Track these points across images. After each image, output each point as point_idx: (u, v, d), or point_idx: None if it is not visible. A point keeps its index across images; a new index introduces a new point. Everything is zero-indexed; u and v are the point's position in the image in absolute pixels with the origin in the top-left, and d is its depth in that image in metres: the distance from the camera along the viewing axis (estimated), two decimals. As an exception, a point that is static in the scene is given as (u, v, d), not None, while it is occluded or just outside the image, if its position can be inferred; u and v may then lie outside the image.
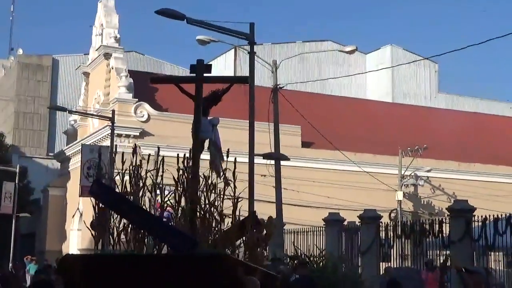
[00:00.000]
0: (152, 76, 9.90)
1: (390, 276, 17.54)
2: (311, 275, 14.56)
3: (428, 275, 20.12)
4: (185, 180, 8.84)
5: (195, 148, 8.88)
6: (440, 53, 56.23)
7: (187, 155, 9.01)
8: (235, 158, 9.52)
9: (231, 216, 9.06)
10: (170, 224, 8.16)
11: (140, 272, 6.90)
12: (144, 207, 8.69)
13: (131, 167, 8.90)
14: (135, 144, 10.73)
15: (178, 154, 9.15)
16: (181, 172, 8.89)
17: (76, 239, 41.46)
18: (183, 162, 8.90)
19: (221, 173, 9.28)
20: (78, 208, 41.33)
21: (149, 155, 9.62)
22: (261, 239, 9.79)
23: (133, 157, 8.94)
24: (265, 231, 10.03)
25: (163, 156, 9.24)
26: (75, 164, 43.06)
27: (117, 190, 8.84)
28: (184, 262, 6.95)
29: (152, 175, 9.16)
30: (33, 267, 29.79)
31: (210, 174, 9.24)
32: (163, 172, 9.10)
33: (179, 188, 8.88)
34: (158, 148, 9.65)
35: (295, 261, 16.44)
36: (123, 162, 9.11)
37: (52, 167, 56.46)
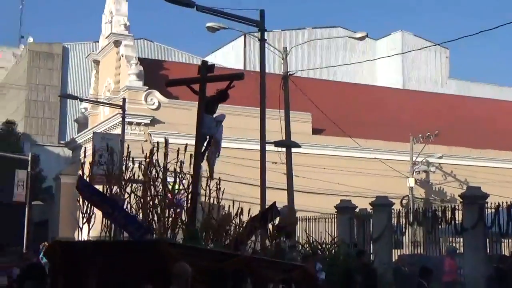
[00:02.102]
0: (167, 81, 9.92)
1: (404, 263, 17.43)
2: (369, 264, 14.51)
3: (449, 263, 19.95)
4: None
5: (197, 144, 9.12)
6: (451, 39, 55.88)
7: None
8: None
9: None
10: (128, 213, 8.48)
11: (100, 256, 7.81)
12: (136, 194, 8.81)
13: (146, 154, 8.93)
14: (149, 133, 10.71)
15: (186, 144, 9.20)
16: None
17: (88, 227, 41.64)
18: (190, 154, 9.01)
19: (213, 171, 9.33)
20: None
21: (158, 142, 9.58)
22: (287, 227, 9.94)
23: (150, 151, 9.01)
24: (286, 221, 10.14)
25: (186, 145, 9.26)
26: (86, 152, 43.16)
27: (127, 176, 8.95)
28: (128, 247, 7.89)
29: (165, 163, 9.15)
30: (46, 255, 29.92)
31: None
32: (179, 162, 9.13)
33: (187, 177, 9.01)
34: (166, 138, 9.58)
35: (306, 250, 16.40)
36: (128, 153, 9.13)
37: (63, 155, 56.65)
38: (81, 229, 8.56)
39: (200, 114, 9.18)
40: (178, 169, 9.13)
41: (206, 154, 9.44)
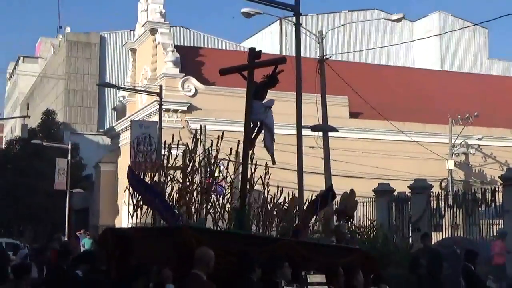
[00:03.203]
0: (221, 70, 9.99)
1: (463, 247, 17.07)
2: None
3: (500, 245, 19.62)
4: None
5: (246, 130, 9.17)
6: (490, 19, 54.94)
7: (235, 129, 9.24)
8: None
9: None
10: (165, 200, 8.73)
11: (144, 241, 8.29)
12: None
13: (187, 143, 9.05)
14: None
15: (223, 132, 9.32)
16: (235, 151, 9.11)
17: (128, 214, 42.14)
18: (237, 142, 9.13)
19: (273, 156, 9.37)
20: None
21: (200, 129, 9.68)
22: (347, 211, 10.01)
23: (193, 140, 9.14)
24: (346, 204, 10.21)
25: (223, 131, 9.36)
26: (125, 140, 43.62)
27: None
28: (161, 232, 8.31)
29: (206, 150, 9.25)
30: (88, 241, 30.37)
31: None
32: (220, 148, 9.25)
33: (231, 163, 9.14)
34: (201, 126, 9.69)
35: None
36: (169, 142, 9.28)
37: (102, 143, 57.35)
38: (132, 216, 8.77)
39: (249, 101, 9.22)
40: (219, 156, 9.22)
41: (263, 141, 9.45)
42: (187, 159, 8.94)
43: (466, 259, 12.39)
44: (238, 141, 9.19)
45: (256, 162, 9.28)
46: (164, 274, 7.59)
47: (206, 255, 7.14)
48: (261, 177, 9.49)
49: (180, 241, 7.47)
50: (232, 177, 9.21)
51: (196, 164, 9.02)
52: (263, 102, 9.51)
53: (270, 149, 9.31)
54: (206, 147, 9.24)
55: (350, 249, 9.72)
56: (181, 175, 8.89)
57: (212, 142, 9.33)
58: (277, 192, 9.59)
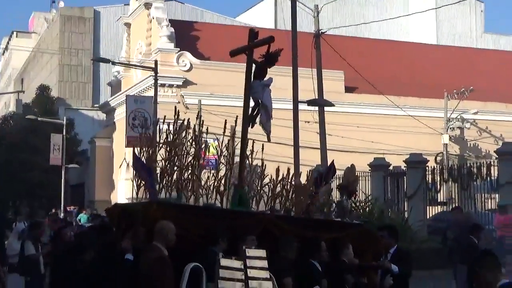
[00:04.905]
0: (231, 51, 9.98)
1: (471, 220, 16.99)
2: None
3: (501, 220, 19.60)
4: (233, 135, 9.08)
5: (245, 108, 9.28)
6: (487, -8, 54.62)
7: (230, 103, 9.26)
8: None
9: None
10: (152, 175, 8.71)
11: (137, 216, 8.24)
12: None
13: (177, 114, 8.99)
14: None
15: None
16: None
17: (124, 189, 42.15)
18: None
19: (269, 133, 9.37)
20: (124, 158, 41.92)
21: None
22: (349, 186, 10.06)
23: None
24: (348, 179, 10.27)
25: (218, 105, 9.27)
26: (120, 115, 43.52)
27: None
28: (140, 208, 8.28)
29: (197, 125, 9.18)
30: (84, 217, 30.45)
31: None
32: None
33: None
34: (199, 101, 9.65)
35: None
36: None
37: (97, 118, 57.20)
38: (137, 193, 8.80)
39: (247, 80, 9.33)
40: (214, 131, 9.22)
41: (259, 119, 9.45)
42: (174, 134, 8.89)
43: (471, 232, 12.45)
44: (237, 116, 9.20)
45: (251, 141, 9.30)
46: (124, 245, 7.90)
47: (165, 228, 7.42)
48: (251, 152, 9.46)
49: (148, 216, 7.75)
50: (225, 152, 9.18)
51: (182, 139, 8.97)
52: (263, 80, 9.50)
53: (267, 126, 9.31)
54: (197, 122, 9.15)
55: (348, 224, 9.73)
56: (167, 151, 8.85)
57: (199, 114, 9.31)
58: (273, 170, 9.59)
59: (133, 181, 8.88)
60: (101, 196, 44.76)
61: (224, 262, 7.41)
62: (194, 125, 9.02)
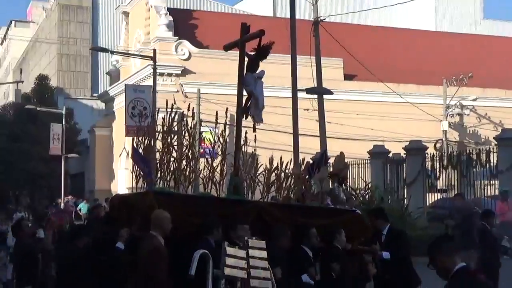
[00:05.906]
0: (225, 45, 10.09)
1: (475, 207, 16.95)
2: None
3: (502, 206, 19.61)
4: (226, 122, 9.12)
5: (239, 99, 9.35)
6: (486, -22, 54.44)
7: (229, 92, 9.31)
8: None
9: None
10: (149, 165, 8.79)
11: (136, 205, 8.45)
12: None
13: (173, 104, 9.03)
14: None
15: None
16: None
17: (124, 178, 42.21)
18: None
19: (256, 124, 9.44)
20: (124, 148, 41.93)
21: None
22: (340, 174, 10.12)
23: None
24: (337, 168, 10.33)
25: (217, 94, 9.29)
26: (119, 104, 43.50)
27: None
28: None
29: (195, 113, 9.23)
30: (84, 206, 30.48)
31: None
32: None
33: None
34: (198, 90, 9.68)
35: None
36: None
37: (97, 107, 57.19)
38: (137, 183, 8.87)
39: (240, 73, 9.40)
40: (211, 119, 9.26)
41: (250, 111, 9.51)
42: (170, 124, 8.93)
43: (482, 218, 12.45)
44: (227, 108, 9.27)
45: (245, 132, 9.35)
46: (121, 234, 8.10)
47: (160, 217, 7.46)
48: (245, 141, 9.50)
49: (145, 204, 7.85)
50: (221, 140, 9.23)
51: (181, 129, 9.03)
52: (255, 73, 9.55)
53: (257, 117, 9.37)
54: (197, 111, 9.22)
55: (339, 211, 9.79)
56: (163, 142, 8.89)
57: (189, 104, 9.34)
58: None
59: (132, 172, 8.92)
60: (101, 185, 44.83)
61: (230, 250, 7.49)
62: (187, 118, 9.12)
